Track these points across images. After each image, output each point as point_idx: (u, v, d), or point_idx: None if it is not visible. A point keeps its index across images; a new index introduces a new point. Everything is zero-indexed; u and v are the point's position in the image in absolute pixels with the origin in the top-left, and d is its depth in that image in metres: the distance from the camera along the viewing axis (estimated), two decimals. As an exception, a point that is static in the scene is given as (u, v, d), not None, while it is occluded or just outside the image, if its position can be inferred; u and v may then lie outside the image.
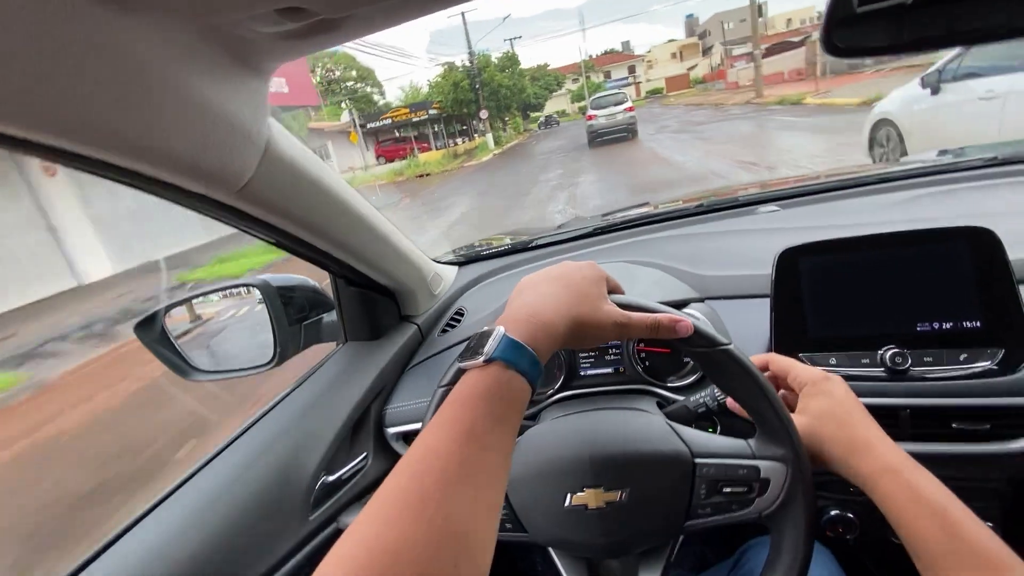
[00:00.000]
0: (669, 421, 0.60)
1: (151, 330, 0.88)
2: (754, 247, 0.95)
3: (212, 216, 0.61)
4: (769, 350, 0.75)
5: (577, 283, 0.47)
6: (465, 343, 0.43)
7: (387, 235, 0.87)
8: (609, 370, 0.85)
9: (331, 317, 0.97)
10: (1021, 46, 3.50)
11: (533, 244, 1.30)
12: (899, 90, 4.34)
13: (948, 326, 0.67)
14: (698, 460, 0.55)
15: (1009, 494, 0.68)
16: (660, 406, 0.72)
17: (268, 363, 0.91)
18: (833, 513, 0.75)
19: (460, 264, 1.28)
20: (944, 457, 0.67)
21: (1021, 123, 3.47)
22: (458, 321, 1.04)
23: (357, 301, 0.93)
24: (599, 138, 14.86)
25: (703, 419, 0.69)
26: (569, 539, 0.57)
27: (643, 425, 0.60)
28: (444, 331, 1.03)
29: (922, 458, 0.67)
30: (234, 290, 1.06)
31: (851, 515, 0.74)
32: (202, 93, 0.44)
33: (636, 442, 0.58)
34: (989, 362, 0.65)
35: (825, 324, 0.72)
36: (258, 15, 0.39)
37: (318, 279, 0.98)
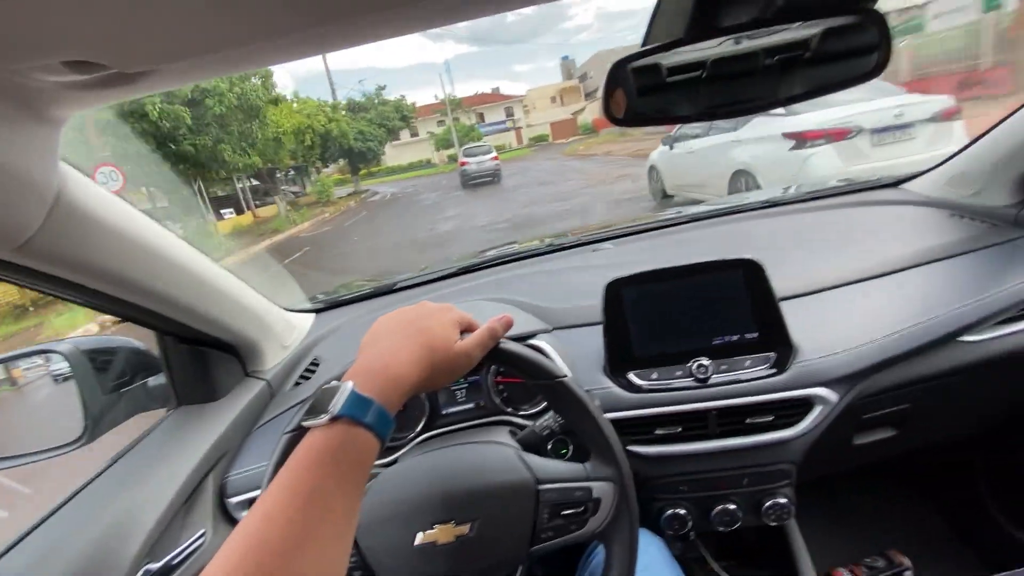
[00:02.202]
0: (520, 451, 0.64)
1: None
2: (592, 281, 1.07)
3: None
4: (605, 370, 0.84)
5: (431, 328, 0.48)
6: (312, 397, 0.42)
7: (221, 285, 0.81)
8: (470, 405, 0.88)
9: (159, 380, 0.87)
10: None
11: (396, 287, 1.30)
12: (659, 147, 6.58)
13: (735, 338, 0.82)
14: (541, 487, 0.58)
15: (794, 473, 0.83)
16: (514, 435, 0.76)
17: (75, 441, 0.78)
18: (669, 513, 0.84)
19: (318, 311, 1.23)
20: (744, 448, 0.80)
21: (708, 169, 5.30)
22: (313, 372, 0.99)
23: (190, 360, 0.84)
24: (471, 181, 16.27)
25: (556, 442, 0.74)
26: None
27: (493, 455, 0.63)
28: (297, 383, 0.97)
29: (728, 452, 0.81)
30: (31, 359, 0.89)
31: (683, 511, 0.84)
32: None
33: (485, 473, 0.60)
34: (766, 365, 0.81)
35: (646, 344, 0.84)
36: (41, 65, 0.36)
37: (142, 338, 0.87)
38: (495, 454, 0.63)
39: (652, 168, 6.68)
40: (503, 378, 0.88)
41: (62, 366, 0.92)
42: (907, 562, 1.14)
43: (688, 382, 0.81)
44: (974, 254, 0.95)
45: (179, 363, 0.84)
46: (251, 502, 0.79)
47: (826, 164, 3.88)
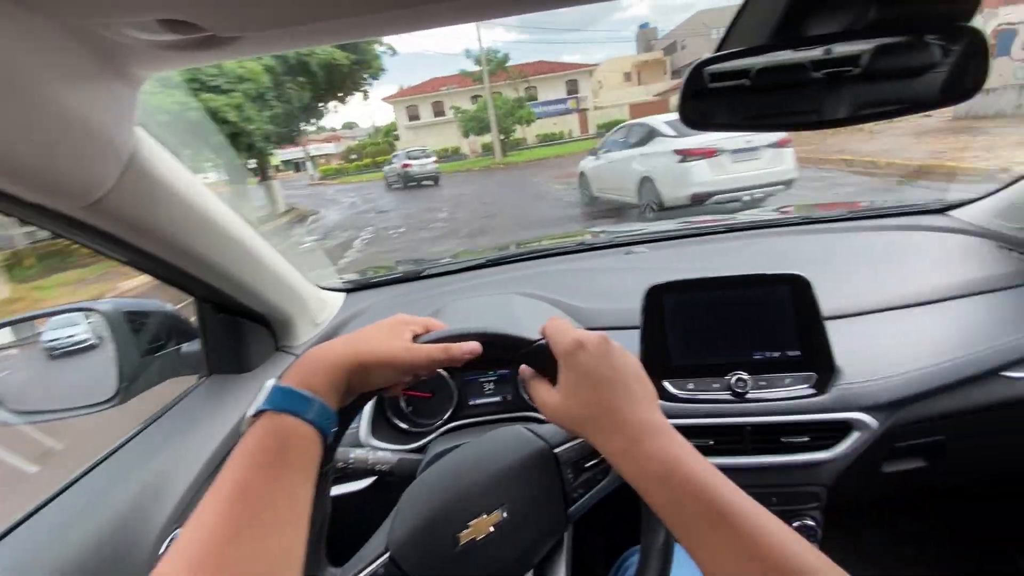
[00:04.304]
0: (528, 424, 0.63)
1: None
2: (626, 283, 1.06)
3: (47, 227, 0.52)
4: None
5: (370, 329, 0.48)
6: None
7: (263, 257, 0.81)
8: (497, 399, 0.88)
9: (192, 347, 0.87)
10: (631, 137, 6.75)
11: (424, 273, 1.30)
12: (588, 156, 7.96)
13: (777, 355, 0.80)
14: (557, 449, 0.58)
15: (824, 496, 0.82)
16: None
17: (108, 401, 0.79)
18: None
19: (349, 291, 1.23)
20: (775, 467, 0.79)
21: (622, 176, 6.59)
22: None
23: (225, 329, 0.85)
24: (412, 181, 17.04)
25: None
26: None
27: (503, 437, 0.62)
28: None
29: (759, 469, 0.79)
30: (76, 314, 0.91)
31: None
32: (54, 93, 0.39)
33: (501, 455, 0.59)
34: (806, 385, 0.79)
35: (684, 353, 0.82)
36: (137, 21, 0.36)
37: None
38: (505, 435, 0.63)
39: (582, 174, 8.12)
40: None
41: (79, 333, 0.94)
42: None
43: (725, 395, 0.79)
44: (1021, 289, 0.92)
45: (215, 332, 0.85)
46: None
47: (701, 173, 5.53)
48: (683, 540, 0.37)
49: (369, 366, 0.44)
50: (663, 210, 5.89)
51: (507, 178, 15.55)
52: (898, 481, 0.90)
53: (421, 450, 0.77)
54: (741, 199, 5.52)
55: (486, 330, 0.50)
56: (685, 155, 5.58)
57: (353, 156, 35.22)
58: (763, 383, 0.80)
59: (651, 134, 6.32)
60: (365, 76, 14.64)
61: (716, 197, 5.52)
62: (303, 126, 15.67)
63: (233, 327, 0.85)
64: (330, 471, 0.46)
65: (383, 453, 0.69)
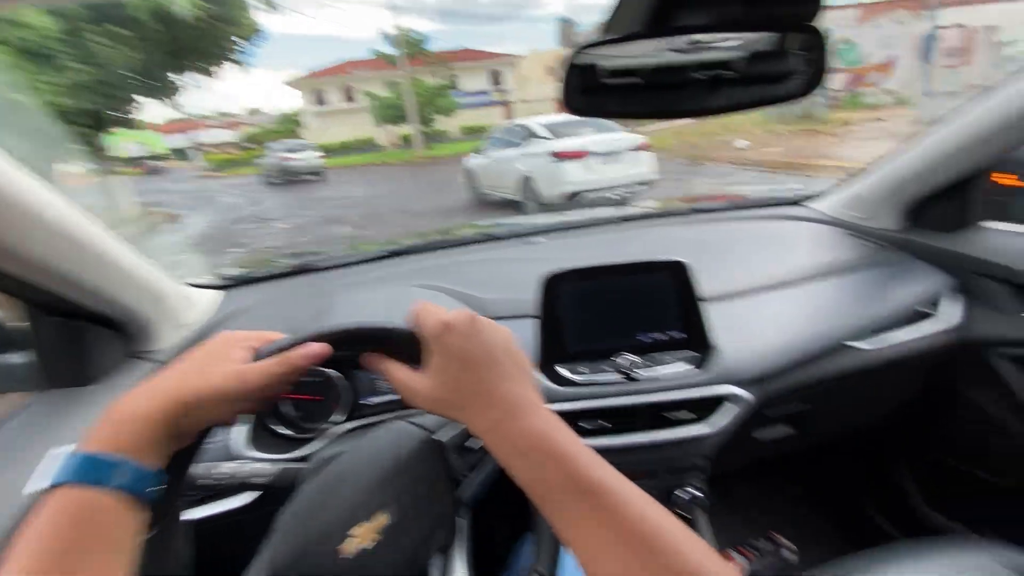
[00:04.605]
0: (404, 413, 0.60)
1: None
2: (526, 273, 1.06)
3: None
4: (536, 363, 0.84)
5: (194, 357, 0.42)
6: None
7: (102, 248, 0.70)
8: (396, 396, 0.84)
9: (20, 358, 0.73)
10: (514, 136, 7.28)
11: (317, 266, 1.22)
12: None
13: (664, 337, 0.85)
14: (438, 435, 0.57)
15: (707, 467, 0.88)
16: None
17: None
18: None
19: (227, 288, 1.11)
20: (665, 443, 0.83)
21: (506, 174, 7.15)
22: None
23: (61, 335, 0.72)
24: (293, 176, 15.54)
25: None
26: None
27: (384, 436, 0.60)
28: None
29: (652, 446, 0.84)
30: None
31: None
32: None
33: (382, 455, 0.56)
34: (688, 363, 0.84)
35: (578, 339, 0.84)
36: None
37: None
38: (384, 434, 0.60)
39: (469, 171, 8.54)
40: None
41: None
42: (788, 543, 1.26)
43: (615, 377, 0.83)
44: (865, 271, 1.06)
45: (49, 339, 0.72)
46: None
47: (575, 173, 6.17)
48: (549, 516, 0.36)
49: (194, 406, 0.38)
50: (544, 206, 6.37)
51: (437, 178, 12.43)
52: (770, 448, 1.00)
53: (304, 459, 0.71)
54: (609, 197, 6.18)
55: (338, 327, 0.45)
56: (559, 156, 6.23)
57: (250, 145, 31.36)
58: (650, 363, 0.84)
59: (530, 135, 6.93)
60: (235, 39, 10.22)
61: (588, 195, 6.18)
62: (148, 102, 10.42)
63: (73, 333, 0.73)
64: (173, 526, 0.41)
65: (260, 465, 0.62)
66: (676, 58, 0.55)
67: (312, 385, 0.81)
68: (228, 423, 0.42)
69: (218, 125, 38.42)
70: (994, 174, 1.00)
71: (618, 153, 6.32)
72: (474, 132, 26.15)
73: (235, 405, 0.40)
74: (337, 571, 0.50)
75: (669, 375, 0.83)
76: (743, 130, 11.18)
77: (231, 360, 0.41)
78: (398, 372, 0.45)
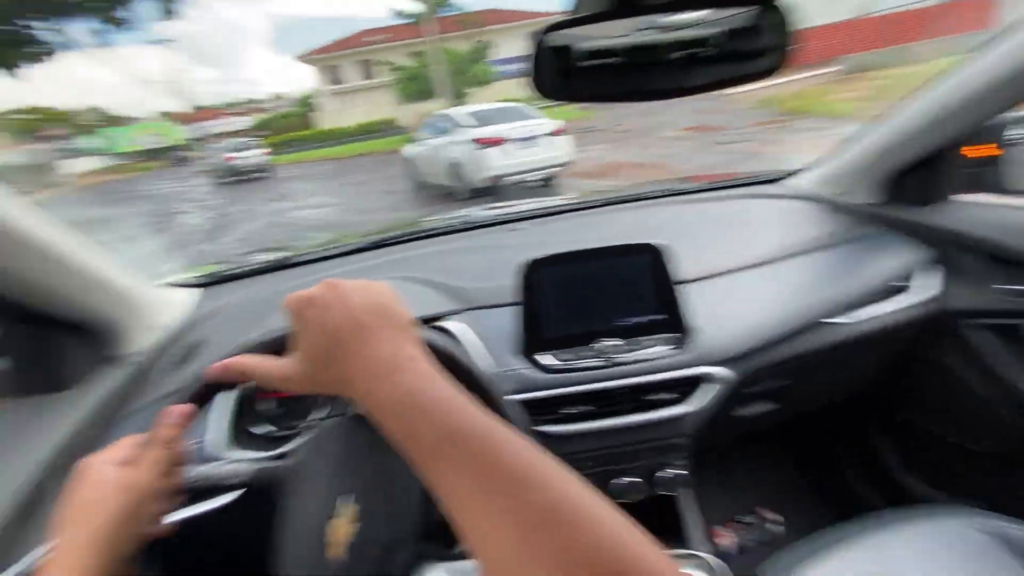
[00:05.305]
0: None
1: None
2: (508, 260, 1.06)
3: None
4: (517, 351, 0.84)
5: (75, 512, 0.42)
6: None
7: (63, 251, 0.68)
8: None
9: (-7, 367, 0.71)
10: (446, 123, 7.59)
11: (294, 261, 1.20)
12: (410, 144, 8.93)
13: (641, 319, 0.85)
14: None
15: (690, 446, 0.89)
16: None
17: None
18: None
19: (204, 286, 1.09)
20: (647, 424, 0.84)
21: (437, 161, 7.62)
22: (197, 354, 0.88)
23: (29, 342, 0.70)
24: (238, 175, 15.00)
25: None
26: None
27: (330, 427, 0.59)
28: (177, 368, 0.86)
29: (635, 428, 0.84)
30: None
31: None
32: None
33: (332, 445, 0.56)
34: (668, 345, 0.85)
35: (559, 325, 0.85)
36: None
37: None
38: (329, 425, 0.59)
39: (408, 160, 9.03)
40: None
41: None
42: (776, 516, 1.29)
43: (596, 362, 0.83)
44: (842, 247, 1.07)
45: (20, 347, 0.70)
46: None
47: (494, 158, 6.67)
48: (428, 475, 0.32)
49: (122, 532, 0.40)
50: (475, 192, 6.84)
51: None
52: (752, 423, 1.01)
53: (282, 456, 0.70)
54: (527, 180, 6.75)
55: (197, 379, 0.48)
56: (480, 143, 6.73)
57: (264, 132, 28.21)
58: (629, 347, 0.84)
59: (455, 123, 7.39)
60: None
61: (510, 179, 6.66)
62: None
63: (41, 339, 0.71)
64: None
65: (236, 465, 0.61)
66: (652, 37, 0.54)
67: None
68: (156, 530, 0.44)
69: (239, 113, 37.67)
70: (965, 147, 1.00)
71: (535, 138, 6.81)
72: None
73: (144, 510, 0.42)
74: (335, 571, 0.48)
75: (649, 357, 0.84)
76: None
77: (108, 482, 0.42)
78: (262, 367, 0.42)
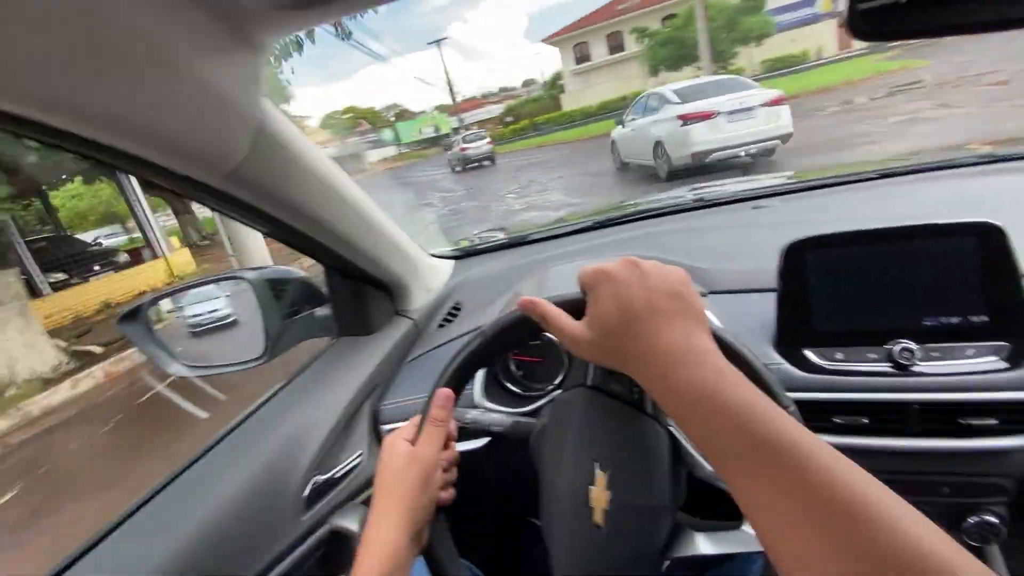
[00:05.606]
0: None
1: (135, 323, 0.84)
2: (755, 240, 0.94)
3: (201, 201, 0.58)
4: (774, 344, 0.74)
5: (387, 482, 0.49)
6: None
7: (382, 227, 0.84)
8: None
9: (324, 311, 0.94)
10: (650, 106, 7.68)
11: (530, 238, 1.29)
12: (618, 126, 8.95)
13: (955, 321, 0.66)
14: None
15: (1015, 490, 0.68)
16: None
17: (258, 358, 0.88)
18: None
19: (457, 258, 1.26)
20: (950, 453, 0.66)
21: (641, 142, 7.68)
22: (455, 315, 1.02)
23: (350, 295, 0.90)
24: (470, 163, 17.75)
25: None
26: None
27: (569, 399, 0.59)
28: (441, 325, 1.01)
29: (929, 455, 0.67)
30: (211, 288, 1.03)
31: None
32: (191, 64, 0.41)
33: (571, 417, 0.57)
34: (996, 357, 0.64)
35: (831, 318, 0.71)
36: None
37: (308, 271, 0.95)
38: (572, 398, 0.59)
39: (613, 143, 9.27)
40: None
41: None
42: None
43: (884, 367, 0.67)
44: None
45: (342, 297, 0.91)
46: None
47: (700, 134, 6.43)
48: (722, 475, 0.33)
49: (421, 498, 0.47)
50: (675, 170, 6.80)
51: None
52: None
53: (535, 413, 0.76)
54: (739, 155, 6.28)
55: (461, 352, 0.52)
56: (685, 119, 6.54)
57: (509, 119, 30.24)
58: (936, 354, 0.66)
59: (662, 101, 7.26)
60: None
61: (716, 155, 6.32)
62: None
63: (357, 293, 0.91)
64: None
65: (496, 415, 0.68)
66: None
67: (535, 347, 0.86)
68: (443, 497, 0.51)
69: (495, 102, 42.95)
70: None
71: (749, 110, 6.35)
72: (785, 64, 18.60)
73: (432, 480, 0.49)
74: (597, 536, 0.50)
75: (965, 371, 0.65)
76: None
77: (403, 455, 0.49)
78: (559, 319, 0.43)
